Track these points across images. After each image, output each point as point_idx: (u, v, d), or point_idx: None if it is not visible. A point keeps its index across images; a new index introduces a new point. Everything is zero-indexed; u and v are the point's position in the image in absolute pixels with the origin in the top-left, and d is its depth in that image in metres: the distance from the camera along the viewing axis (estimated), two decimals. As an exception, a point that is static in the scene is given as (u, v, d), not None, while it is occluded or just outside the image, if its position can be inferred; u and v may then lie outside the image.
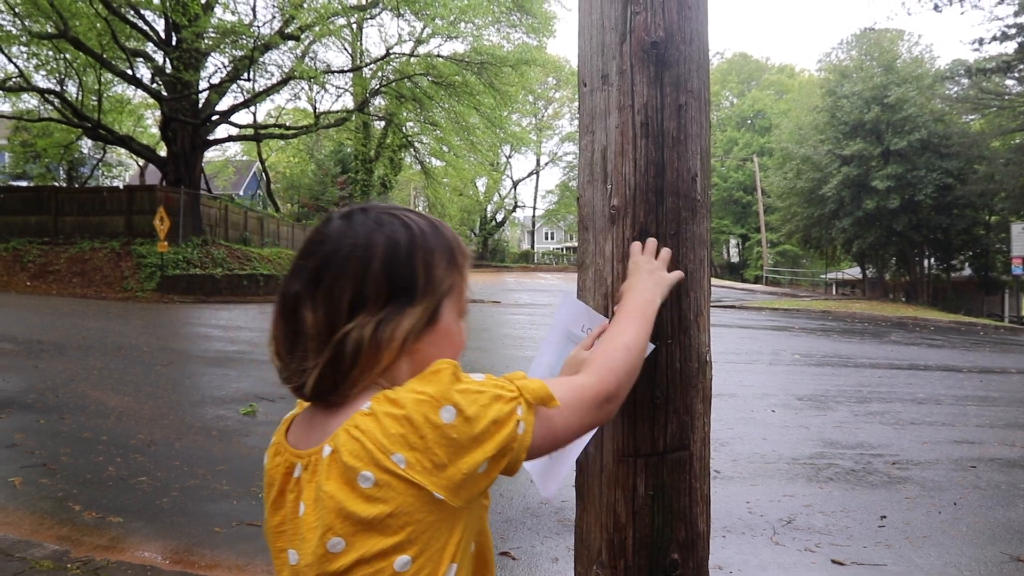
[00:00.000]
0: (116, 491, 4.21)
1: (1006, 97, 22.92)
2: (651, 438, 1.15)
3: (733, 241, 54.14)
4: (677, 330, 1.15)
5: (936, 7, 19.83)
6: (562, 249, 69.32)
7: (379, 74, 24.71)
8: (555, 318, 1.22)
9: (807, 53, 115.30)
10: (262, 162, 35.61)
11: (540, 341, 1.26)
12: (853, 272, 37.52)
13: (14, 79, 20.59)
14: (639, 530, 1.15)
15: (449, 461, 0.77)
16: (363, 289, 0.83)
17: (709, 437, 1.22)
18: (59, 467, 4.59)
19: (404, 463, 0.76)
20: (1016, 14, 19.84)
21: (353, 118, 26.25)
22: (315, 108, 27.09)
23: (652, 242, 1.15)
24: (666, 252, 1.15)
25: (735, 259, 54.86)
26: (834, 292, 38.15)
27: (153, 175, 27.06)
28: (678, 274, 1.14)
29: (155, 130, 28.86)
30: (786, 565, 3.58)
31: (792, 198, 32.37)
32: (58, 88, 22.06)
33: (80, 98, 22.73)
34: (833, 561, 3.60)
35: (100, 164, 32.29)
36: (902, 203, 26.13)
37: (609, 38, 1.18)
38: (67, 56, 20.92)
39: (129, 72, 20.83)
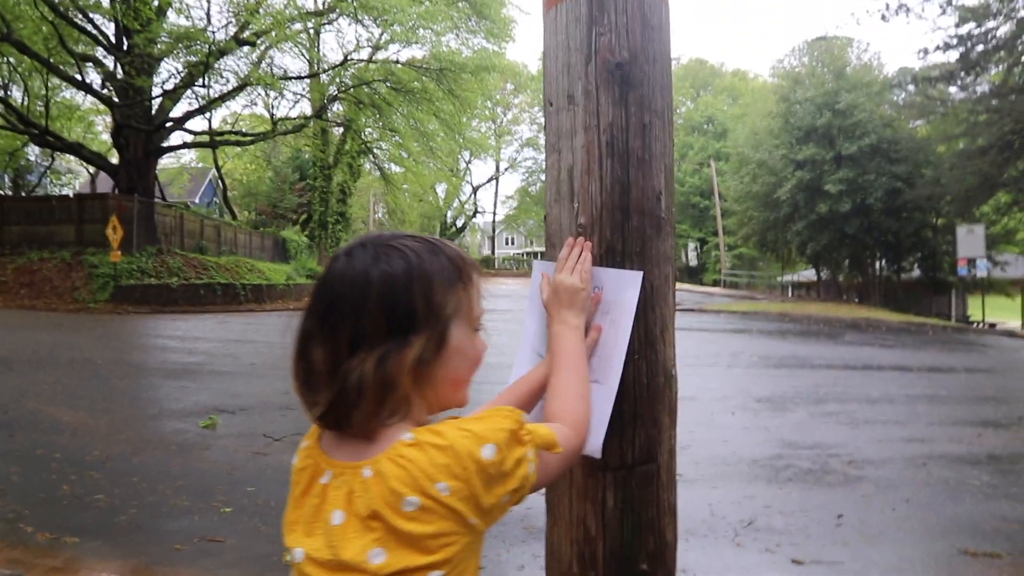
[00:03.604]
0: (71, 510, 4.10)
1: (950, 104, 23.67)
2: (620, 452, 1.17)
3: (691, 245, 54.91)
4: (644, 345, 1.18)
5: (883, 17, 20.42)
6: (523, 254, 69.49)
7: (337, 80, 24.51)
8: (531, 286, 1.27)
9: (761, 59, 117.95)
10: (218, 169, 35.07)
11: (523, 312, 1.29)
12: (808, 274, 38.32)
13: (-45, 84, 19.95)
14: (609, 542, 1.17)
15: (484, 491, 0.85)
16: (360, 326, 0.86)
17: (675, 449, 1.25)
18: (9, 487, 4.45)
19: (448, 491, 0.83)
20: (957, 26, 20.54)
21: (311, 124, 25.99)
22: (272, 114, 26.79)
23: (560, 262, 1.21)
24: (566, 258, 1.20)
25: (693, 263, 55.63)
26: (790, 294, 38.91)
27: (105, 183, 26.38)
28: (581, 283, 1.16)
29: (106, 137, 28.18)
30: (748, 566, 3.64)
31: (748, 202, 32.94)
32: (1, 93, 21.40)
33: (26, 103, 22.09)
34: (793, 561, 3.68)
35: (48, 172, 31.42)
36: (854, 206, 26.80)
37: (575, 59, 1.20)
38: (11, 60, 20.32)
39: (78, 77, 20.29)
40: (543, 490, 1.28)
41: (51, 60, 19.24)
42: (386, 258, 0.89)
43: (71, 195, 22.97)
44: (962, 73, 21.28)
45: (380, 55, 23.91)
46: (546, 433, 0.95)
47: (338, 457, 0.90)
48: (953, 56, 21.17)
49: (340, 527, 0.85)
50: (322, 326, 0.88)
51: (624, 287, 1.14)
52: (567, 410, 1.06)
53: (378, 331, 0.86)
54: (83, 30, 19.62)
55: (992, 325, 23.22)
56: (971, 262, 22.34)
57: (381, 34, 23.30)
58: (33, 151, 28.13)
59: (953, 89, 23.12)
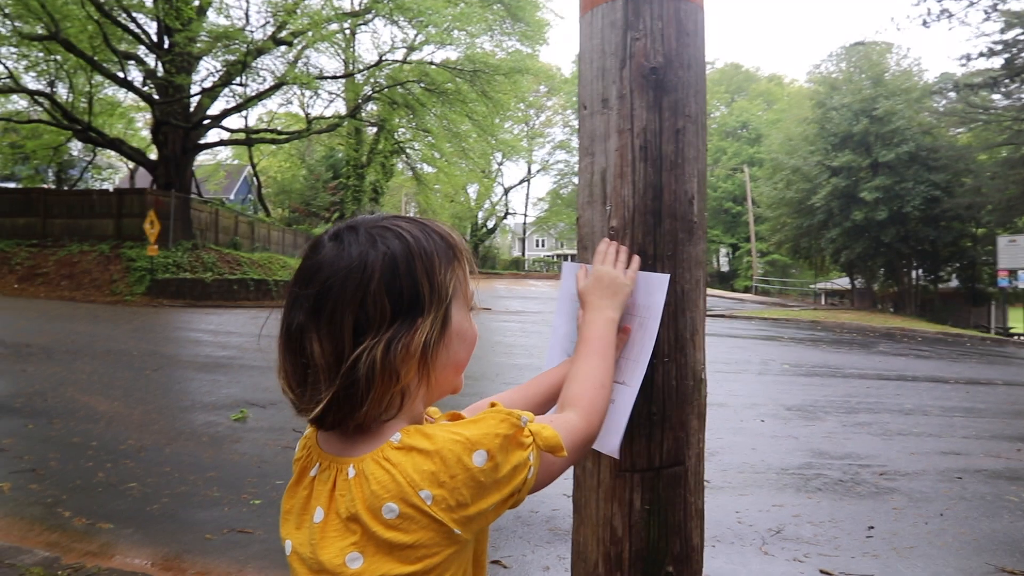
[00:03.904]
0: (106, 497, 4.20)
1: (992, 111, 23.16)
2: (647, 454, 1.17)
3: (723, 251, 54.41)
4: (673, 348, 1.18)
5: (924, 23, 20.09)
6: (553, 256, 69.44)
7: (371, 80, 24.74)
8: (561, 287, 1.26)
9: (797, 64, 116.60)
10: (253, 167, 35.58)
11: (552, 314, 1.28)
12: (842, 282, 37.77)
13: (3, 80, 20.50)
14: (635, 544, 1.18)
15: (471, 500, 0.80)
16: (365, 312, 0.82)
17: (703, 453, 1.25)
18: (48, 472, 4.58)
19: (431, 499, 0.78)
20: (1002, 31, 20.10)
21: (345, 124, 26.26)
22: (307, 113, 27.11)
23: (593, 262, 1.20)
24: (604, 250, 1.18)
25: (725, 268, 55.08)
26: (823, 302, 38.36)
27: (143, 178, 26.93)
28: (627, 279, 1.15)
29: (146, 133, 28.76)
30: (775, 575, 3.61)
31: (782, 208, 32.58)
32: (48, 90, 21.98)
33: (71, 100, 22.64)
34: (822, 571, 3.63)
35: (90, 166, 32.16)
36: (890, 215, 26.35)
37: (609, 63, 1.21)
38: (57, 58, 20.85)
39: (120, 75, 20.78)
40: (570, 492, 1.29)
41: (95, 58, 19.72)
42: (383, 240, 0.85)
43: (111, 190, 23.45)
44: (1006, 80, 20.82)
45: (414, 56, 24.07)
46: (551, 435, 0.88)
47: (328, 449, 0.87)
48: (997, 62, 20.75)
49: (320, 525, 0.82)
50: (318, 317, 0.82)
51: (652, 290, 1.15)
52: (585, 397, 1.01)
53: (383, 316, 0.82)
54: (126, 29, 20.07)
55: (1033, 338, 22.66)
56: (1012, 273, 21.87)
57: (416, 35, 23.46)
58: (76, 146, 28.82)
59: (996, 96, 22.64)
